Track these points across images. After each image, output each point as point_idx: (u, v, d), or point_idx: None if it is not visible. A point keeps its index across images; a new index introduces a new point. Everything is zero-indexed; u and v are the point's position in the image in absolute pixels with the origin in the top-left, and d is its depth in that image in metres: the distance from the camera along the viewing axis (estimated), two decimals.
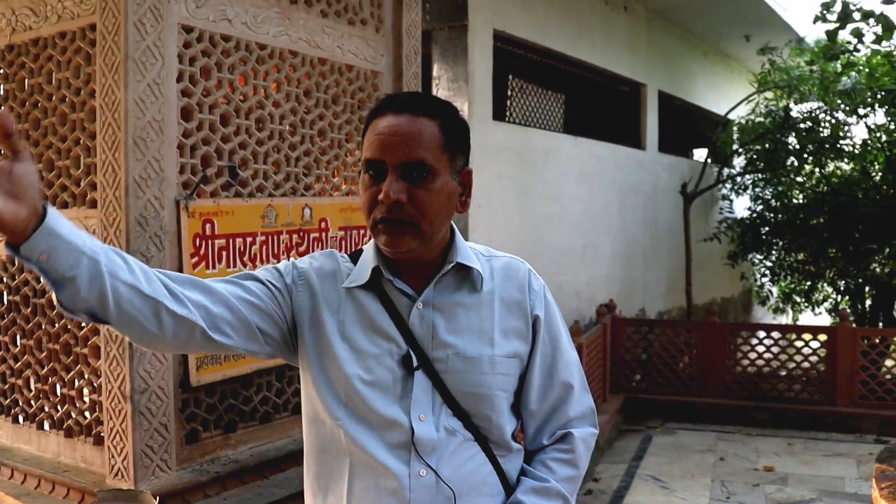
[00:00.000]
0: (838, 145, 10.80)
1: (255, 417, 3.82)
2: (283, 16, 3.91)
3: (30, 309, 3.70)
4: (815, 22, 7.49)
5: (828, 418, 8.06)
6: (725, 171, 12.36)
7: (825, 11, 7.28)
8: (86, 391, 3.49)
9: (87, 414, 3.49)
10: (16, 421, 3.84)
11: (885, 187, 10.41)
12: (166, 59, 3.30)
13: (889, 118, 10.40)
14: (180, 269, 3.36)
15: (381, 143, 1.64)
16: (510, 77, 8.15)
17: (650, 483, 6.47)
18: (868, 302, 11.36)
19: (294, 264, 1.80)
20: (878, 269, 10.82)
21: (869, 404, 8.06)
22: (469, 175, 1.77)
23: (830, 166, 11.45)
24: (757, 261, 12.67)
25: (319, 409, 1.73)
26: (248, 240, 3.72)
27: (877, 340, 8.36)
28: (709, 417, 8.34)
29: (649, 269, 10.67)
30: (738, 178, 12.16)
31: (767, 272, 12.57)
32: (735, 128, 12.04)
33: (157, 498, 2.62)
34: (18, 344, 3.77)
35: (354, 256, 1.82)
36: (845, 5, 7.14)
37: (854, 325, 10.39)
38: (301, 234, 4.01)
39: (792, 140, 11.18)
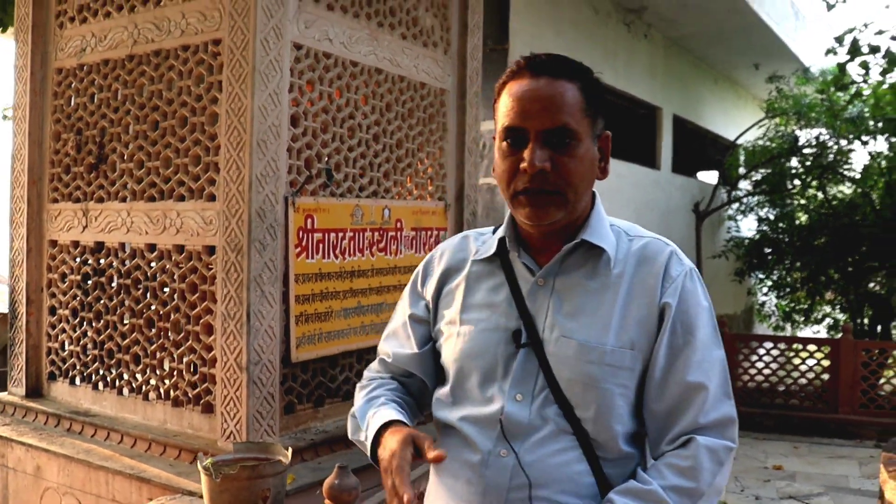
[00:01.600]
0: (841, 170, 11.24)
1: (338, 394, 4.17)
2: (372, 37, 4.29)
3: (140, 291, 4.06)
4: (826, 54, 7.94)
5: (830, 425, 8.44)
6: (733, 192, 12.79)
7: (837, 45, 7.69)
8: (196, 364, 3.84)
9: (196, 385, 3.84)
10: (120, 393, 4.17)
11: (884, 210, 10.83)
12: (283, 73, 3.67)
13: (889, 145, 10.83)
14: (286, 258, 3.72)
15: (521, 108, 1.56)
16: None
17: None
18: (867, 319, 11.74)
19: (424, 262, 1.87)
20: (876, 288, 11.23)
21: (868, 412, 8.46)
22: (608, 140, 1.67)
23: (833, 189, 11.87)
24: (759, 279, 13.08)
25: (440, 380, 1.77)
26: (340, 234, 4.08)
27: (876, 353, 8.75)
28: None
29: None
30: (745, 200, 12.57)
31: (769, 290, 12.99)
32: (742, 152, 12.50)
33: (289, 449, 2.96)
34: (127, 323, 4.13)
35: (497, 228, 1.78)
36: (855, 40, 7.57)
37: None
38: (381, 231, 4.38)
39: (796, 164, 11.61)
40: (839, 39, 7.58)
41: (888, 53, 7.44)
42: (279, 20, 3.63)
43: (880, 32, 7.53)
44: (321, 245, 3.96)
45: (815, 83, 11.91)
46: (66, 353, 4.42)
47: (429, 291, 1.81)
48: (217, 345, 3.64)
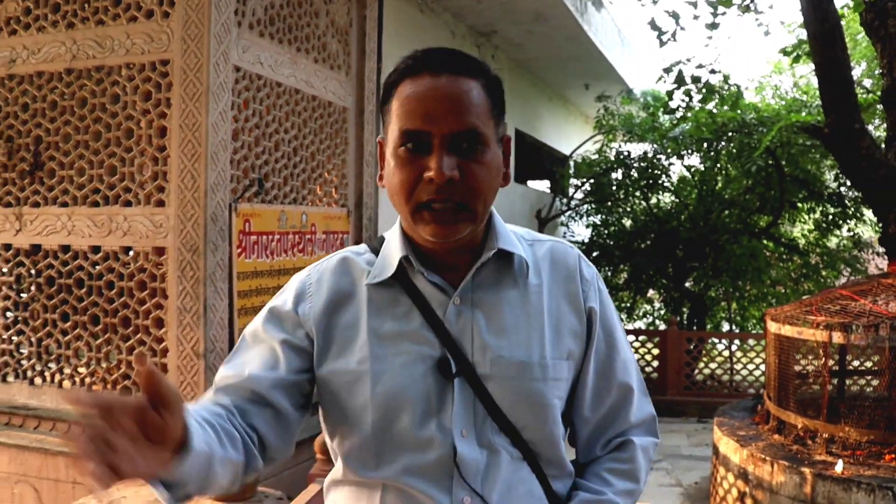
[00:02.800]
0: (661, 181, 12.47)
1: None
2: (293, 61, 4.73)
3: (84, 290, 4.32)
4: (657, 82, 8.95)
5: (661, 405, 9.42)
6: (565, 200, 13.84)
7: (665, 74, 8.73)
8: (147, 355, 4.15)
9: None
10: (60, 386, 4.41)
11: (697, 217, 12.08)
12: (228, 93, 4.07)
13: (701, 160, 12.15)
14: (230, 259, 4.11)
15: (423, 109, 1.34)
16: None
17: None
18: (685, 314, 13.00)
19: (291, 288, 1.53)
20: (692, 286, 12.53)
21: (691, 393, 9.55)
22: (509, 142, 1.49)
23: (654, 198, 13.10)
24: None
25: (344, 434, 1.45)
26: (270, 237, 4.50)
27: (696, 342, 9.90)
28: None
29: None
30: (576, 207, 13.64)
31: None
32: (572, 164, 13.59)
33: None
34: (69, 320, 4.37)
35: (377, 249, 1.53)
36: (680, 72, 8.61)
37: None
38: (300, 234, 4.82)
39: (620, 175, 12.75)
40: (667, 70, 8.62)
41: (706, 84, 8.56)
42: (226, 46, 4.03)
43: (700, 66, 8.63)
44: (256, 246, 4.37)
45: (637, 103, 13.14)
46: None
47: (310, 319, 1.47)
48: (171, 336, 3.98)
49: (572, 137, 15.03)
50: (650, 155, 12.28)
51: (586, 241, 13.41)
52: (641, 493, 1.55)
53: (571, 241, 13.08)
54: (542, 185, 14.90)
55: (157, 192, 4.09)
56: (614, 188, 12.86)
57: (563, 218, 13.77)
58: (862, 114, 8.04)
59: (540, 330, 1.45)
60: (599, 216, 13.36)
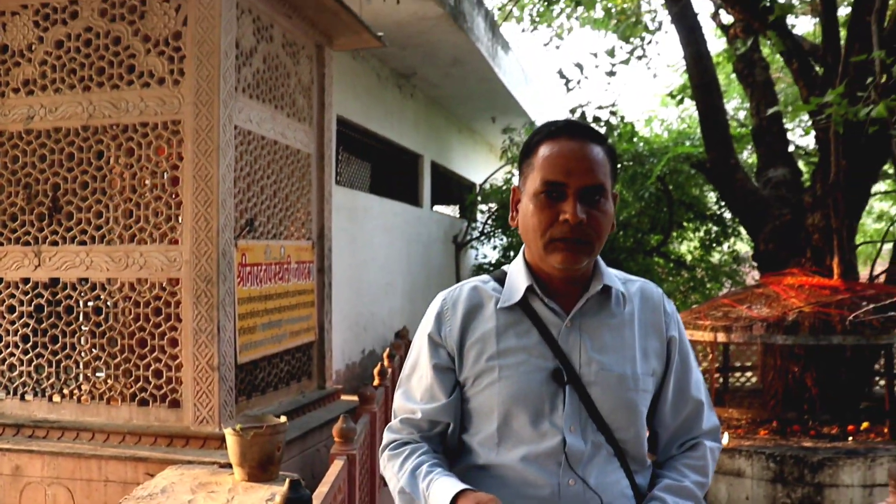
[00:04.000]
0: None
1: (258, 389, 5.35)
2: (273, 117, 5.54)
3: (101, 317, 5.01)
4: None
5: None
6: (473, 225, 14.87)
7: (571, 115, 9.87)
8: (162, 371, 4.87)
9: (162, 386, 4.86)
10: (79, 401, 5.07)
11: None
12: (232, 148, 4.86)
13: None
14: (233, 286, 4.88)
15: (563, 166, 1.70)
16: (340, 149, 9.96)
17: None
18: None
19: (437, 316, 1.90)
20: None
21: None
22: (617, 199, 1.83)
23: None
24: None
25: (476, 427, 1.83)
26: (259, 268, 5.28)
27: None
28: None
29: (424, 303, 12.71)
30: (485, 231, 14.68)
31: None
32: (480, 190, 14.65)
33: (283, 417, 4.15)
34: (86, 343, 5.05)
35: (499, 278, 1.90)
36: (583, 112, 9.76)
37: None
38: (280, 265, 5.62)
39: None
40: (572, 111, 9.75)
41: (606, 123, 9.75)
42: (230, 110, 4.83)
43: (600, 107, 9.82)
44: (250, 276, 5.15)
45: None
46: (14, 373, 5.19)
47: (449, 340, 1.85)
48: (187, 353, 4.72)
49: (479, 166, 16.21)
50: None
51: (493, 262, 14.43)
52: (709, 486, 1.86)
53: (481, 263, 14.21)
54: (452, 210, 15.89)
55: (171, 232, 4.84)
56: None
57: (474, 242, 14.78)
58: (737, 143, 9.36)
59: (632, 350, 1.79)
60: (506, 239, 14.40)
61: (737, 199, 7.75)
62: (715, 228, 13.44)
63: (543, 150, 1.73)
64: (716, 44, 12.39)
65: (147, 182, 4.92)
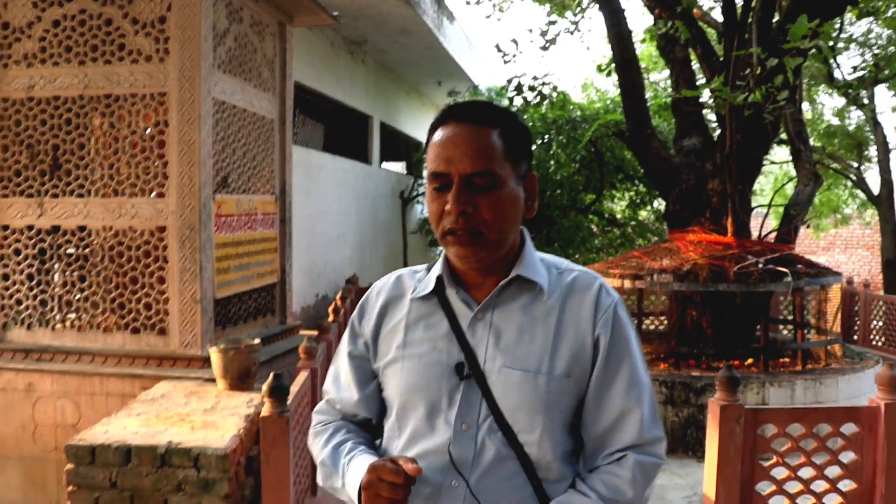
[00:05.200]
0: None
1: (230, 320, 6.30)
2: (242, 88, 6.43)
3: (98, 258, 5.89)
4: (501, 91, 11.04)
5: None
6: (419, 181, 15.88)
7: (508, 84, 10.87)
8: (152, 304, 5.79)
9: (151, 317, 5.78)
10: (79, 330, 5.97)
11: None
12: (210, 117, 5.75)
13: (537, 148, 14.43)
14: (211, 234, 5.80)
15: (445, 155, 1.61)
16: (296, 111, 10.83)
17: None
18: None
19: (360, 308, 1.88)
20: None
21: None
22: (533, 179, 1.72)
23: None
24: (437, 252, 16.35)
25: (384, 415, 1.81)
26: (232, 218, 6.20)
27: None
28: None
29: (373, 253, 13.78)
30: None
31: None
32: (425, 149, 15.68)
33: (257, 340, 5.12)
34: (86, 280, 5.94)
35: (430, 267, 1.82)
36: (519, 83, 10.75)
37: None
38: (249, 216, 6.54)
39: None
40: (510, 81, 10.75)
41: (539, 93, 10.77)
42: (209, 84, 5.71)
43: (535, 78, 10.82)
44: (224, 225, 6.07)
45: (482, 97, 15.29)
46: (21, 307, 6.06)
47: (366, 329, 1.83)
48: (173, 289, 5.65)
49: (426, 126, 16.95)
50: None
51: None
52: None
53: (426, 217, 15.22)
54: (399, 167, 16.86)
55: (158, 188, 5.73)
56: None
57: (420, 198, 15.79)
58: (664, 112, 10.47)
59: (547, 348, 1.64)
60: None
61: (651, 164, 8.81)
62: (643, 189, 14.58)
63: (433, 139, 1.68)
64: (645, 19, 13.37)
65: (137, 144, 5.80)
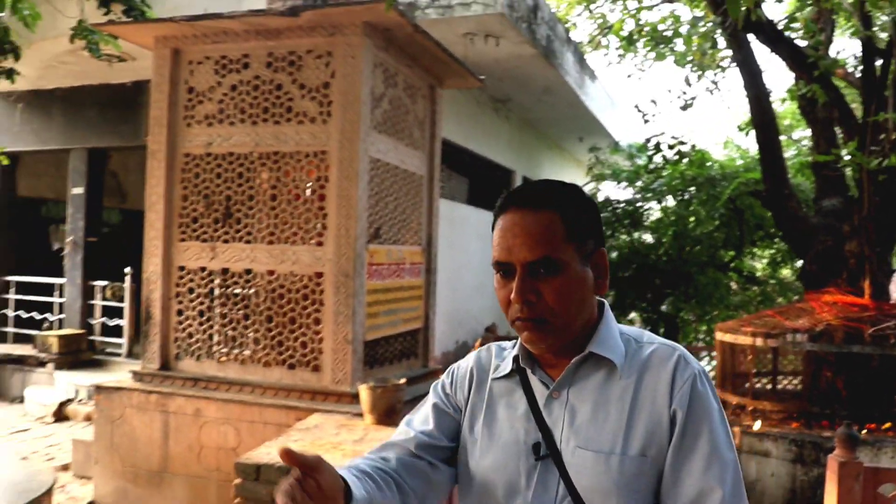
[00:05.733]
0: (642, 222, 14.84)
1: (377, 361, 6.76)
2: (395, 147, 6.96)
3: (261, 299, 6.49)
4: (641, 148, 11.33)
5: None
6: None
7: (648, 143, 11.13)
8: (307, 342, 6.32)
9: (307, 355, 6.31)
10: (241, 363, 6.56)
11: (672, 251, 14.42)
12: (367, 173, 6.27)
13: (675, 204, 14.52)
14: (363, 281, 6.30)
15: (505, 244, 1.62)
16: (443, 165, 11.38)
17: None
18: (662, 331, 15.26)
19: (449, 371, 1.87)
20: (667, 309, 14.83)
21: None
22: (602, 256, 1.70)
23: (636, 235, 15.43)
24: None
25: (461, 493, 1.77)
26: (382, 267, 6.69)
27: None
28: None
29: None
30: None
31: None
32: None
33: (404, 380, 5.55)
34: (250, 318, 6.53)
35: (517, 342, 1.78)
36: (658, 142, 11.00)
37: None
38: (397, 265, 7.02)
39: (607, 215, 15.09)
40: (648, 140, 11.04)
41: (679, 152, 11.00)
42: (366, 143, 6.25)
43: (674, 138, 11.07)
44: (376, 273, 6.56)
45: (623, 153, 15.55)
46: (192, 340, 6.72)
47: (458, 395, 1.83)
48: (328, 330, 6.16)
49: (567, 179, 17.49)
50: (633, 199, 14.65)
51: None
52: None
53: None
54: None
55: (318, 237, 6.29)
56: (602, 227, 15.20)
57: None
58: (802, 172, 10.47)
59: (621, 427, 1.58)
60: None
61: (788, 224, 8.86)
62: (783, 247, 14.41)
63: (497, 226, 1.68)
64: (787, 77, 13.37)
65: (300, 197, 6.39)
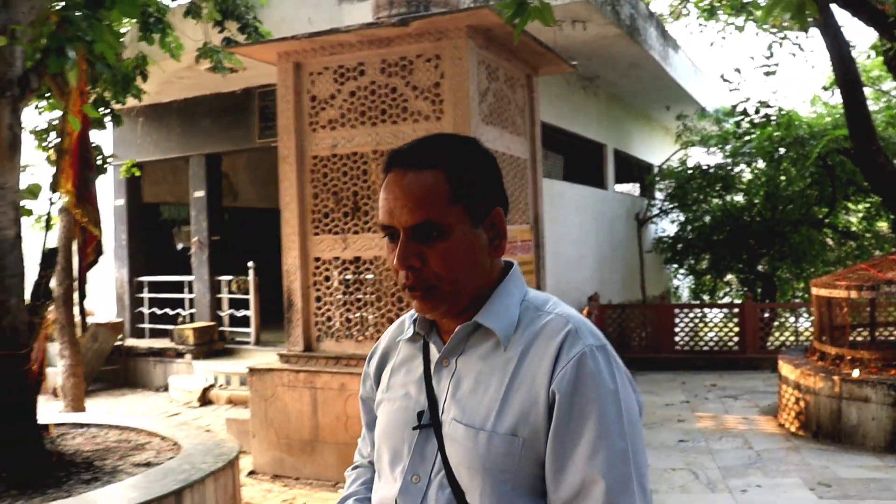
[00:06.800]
0: (734, 184, 15.21)
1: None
2: (501, 135, 7.62)
3: (392, 282, 7.23)
4: (727, 113, 11.73)
5: (741, 361, 12.13)
6: (651, 202, 16.66)
7: (735, 109, 11.54)
8: None
9: None
10: (358, 341, 7.33)
11: (764, 212, 14.75)
12: None
13: (767, 165, 14.82)
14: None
15: (386, 206, 1.52)
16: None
17: (646, 394, 10.36)
18: (758, 293, 15.63)
19: (370, 354, 1.82)
20: (763, 269, 15.19)
21: (765, 352, 12.21)
22: (498, 216, 1.60)
23: (728, 198, 15.78)
24: (675, 268, 16.98)
25: None
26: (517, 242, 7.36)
27: (767, 312, 12.60)
28: (664, 366, 12.29)
29: (611, 272, 14.71)
30: (662, 207, 16.44)
31: (684, 276, 16.96)
32: (658, 171, 16.44)
33: None
34: (383, 301, 7.30)
35: None
36: (745, 109, 11.42)
37: None
38: (511, 244, 7.68)
39: (700, 180, 15.48)
40: (735, 107, 11.44)
41: (765, 115, 11.39)
42: (477, 135, 6.91)
43: (760, 103, 11.43)
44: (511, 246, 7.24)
45: (710, 118, 15.91)
46: (331, 323, 7.51)
47: (371, 371, 1.79)
48: None
49: (655, 148, 18.01)
50: (723, 163, 15.04)
51: (671, 235, 16.15)
52: None
53: (660, 236, 15.98)
54: (628, 188, 17.78)
55: None
56: (693, 191, 15.61)
57: (654, 218, 16.59)
58: (894, 125, 10.79)
59: (496, 402, 1.48)
60: (682, 214, 16.05)
61: (877, 179, 9.22)
62: (878, 200, 14.58)
63: (382, 187, 1.57)
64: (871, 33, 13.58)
65: None
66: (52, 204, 6.52)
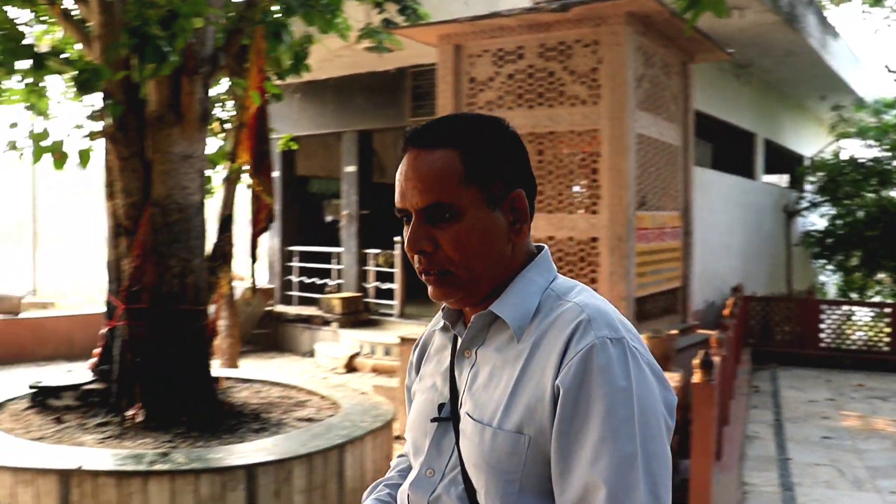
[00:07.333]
0: (891, 178, 14.68)
1: (646, 315, 7.57)
2: (654, 122, 7.67)
3: None
4: (889, 104, 11.35)
5: (891, 363, 11.76)
6: (801, 195, 16.25)
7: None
8: None
9: None
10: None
11: None
12: (634, 149, 7.06)
13: None
14: (633, 244, 7.10)
15: (400, 188, 1.46)
16: None
17: (790, 389, 10.23)
18: None
19: (414, 347, 1.73)
20: None
21: None
22: (520, 199, 1.47)
23: (885, 192, 15.24)
24: (823, 263, 16.52)
25: None
26: (647, 231, 7.46)
27: None
28: (808, 363, 12.04)
29: (757, 264, 14.48)
30: (812, 200, 16.01)
31: (831, 272, 16.49)
32: (810, 163, 16.01)
33: (676, 331, 6.35)
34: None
35: None
36: None
37: None
38: (660, 229, 7.76)
39: (855, 173, 15.00)
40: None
41: None
42: (632, 121, 7.03)
43: None
44: (643, 237, 7.35)
45: (868, 109, 15.37)
46: None
47: (414, 361, 1.71)
48: (604, 288, 7.01)
49: (807, 139, 17.48)
50: (881, 157, 14.51)
51: (821, 229, 15.73)
52: None
53: (809, 230, 15.62)
54: (776, 179, 17.37)
55: (592, 206, 7.15)
56: (846, 184, 15.14)
57: (803, 211, 16.19)
58: None
59: (505, 397, 1.40)
60: (833, 208, 15.60)
61: None
62: None
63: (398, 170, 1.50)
64: None
65: (573, 172, 7.28)
66: (232, 172, 6.96)
